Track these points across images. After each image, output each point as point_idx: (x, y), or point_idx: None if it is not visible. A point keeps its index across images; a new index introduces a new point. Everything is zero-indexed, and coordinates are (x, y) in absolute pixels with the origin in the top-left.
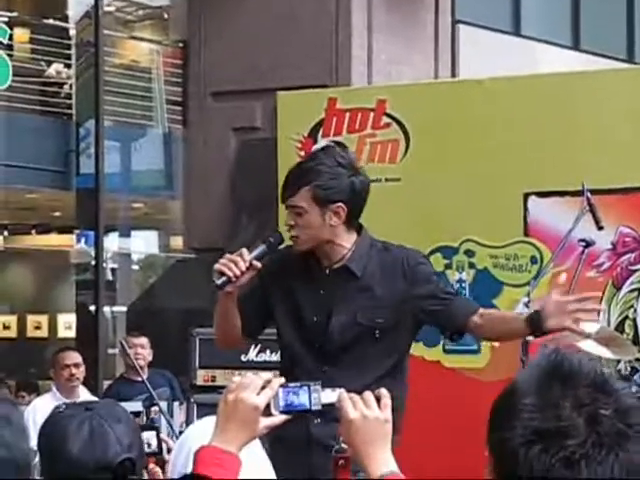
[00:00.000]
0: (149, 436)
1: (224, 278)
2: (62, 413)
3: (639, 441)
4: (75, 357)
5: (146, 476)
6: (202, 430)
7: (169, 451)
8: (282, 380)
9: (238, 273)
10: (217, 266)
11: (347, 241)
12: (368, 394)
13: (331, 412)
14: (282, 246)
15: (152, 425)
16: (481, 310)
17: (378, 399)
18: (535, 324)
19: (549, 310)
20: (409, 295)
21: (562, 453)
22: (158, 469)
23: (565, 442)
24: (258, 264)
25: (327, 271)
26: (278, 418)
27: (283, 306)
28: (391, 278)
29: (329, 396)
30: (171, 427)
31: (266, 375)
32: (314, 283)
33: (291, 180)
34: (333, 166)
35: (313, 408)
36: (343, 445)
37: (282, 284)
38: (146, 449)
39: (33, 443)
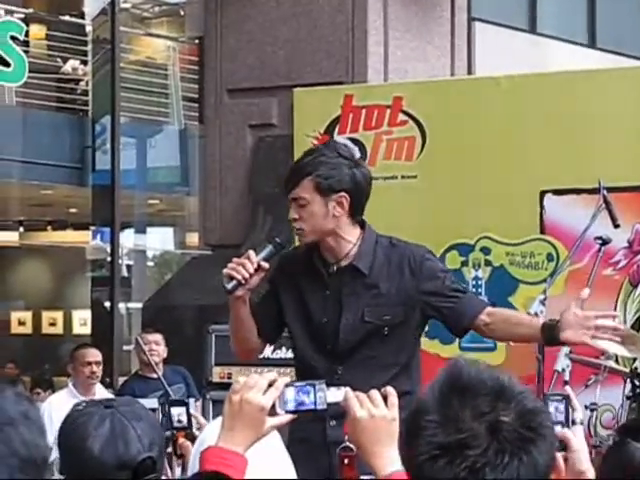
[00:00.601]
0: (180, 411)
1: (234, 282)
2: (82, 410)
3: (545, 441)
4: (97, 355)
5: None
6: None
7: (199, 427)
8: (287, 379)
9: (247, 275)
10: (226, 271)
11: (351, 235)
12: (375, 392)
13: (346, 414)
14: (288, 248)
15: (182, 400)
16: (489, 309)
17: (385, 398)
18: (550, 333)
19: (568, 321)
20: (416, 291)
21: (465, 464)
22: (188, 443)
23: (467, 453)
24: (266, 265)
25: (333, 269)
26: (284, 418)
27: (293, 308)
28: (398, 274)
29: (335, 395)
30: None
31: (271, 375)
32: (320, 283)
33: (292, 173)
34: (334, 157)
35: (318, 407)
36: (348, 444)
37: (290, 287)
38: (176, 424)
39: (50, 439)
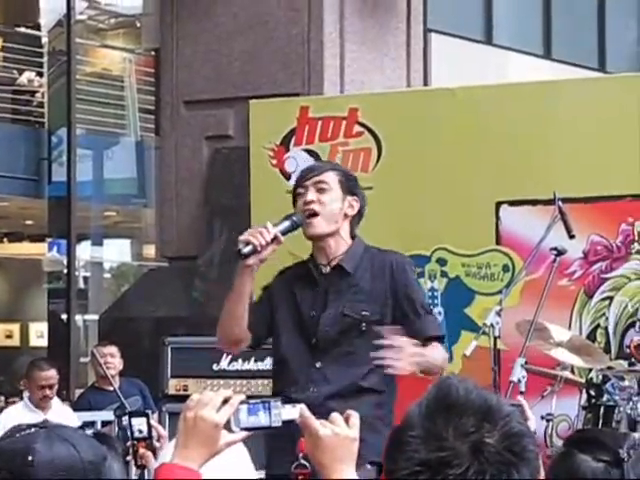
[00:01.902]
0: (140, 422)
1: (250, 247)
2: (16, 435)
3: (528, 465)
4: (51, 377)
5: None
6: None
7: (159, 437)
8: (242, 397)
9: (264, 242)
10: (243, 236)
11: (347, 239)
12: (336, 414)
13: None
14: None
15: (143, 411)
16: (435, 343)
17: (346, 419)
18: None
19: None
20: (393, 292)
21: None
22: (149, 453)
23: (448, 471)
24: (282, 238)
25: (326, 269)
26: (239, 435)
27: (285, 309)
28: (379, 275)
29: (290, 412)
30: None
31: (225, 392)
32: (312, 282)
33: (316, 166)
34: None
35: (273, 425)
36: (303, 461)
37: (286, 293)
38: (137, 434)
39: None
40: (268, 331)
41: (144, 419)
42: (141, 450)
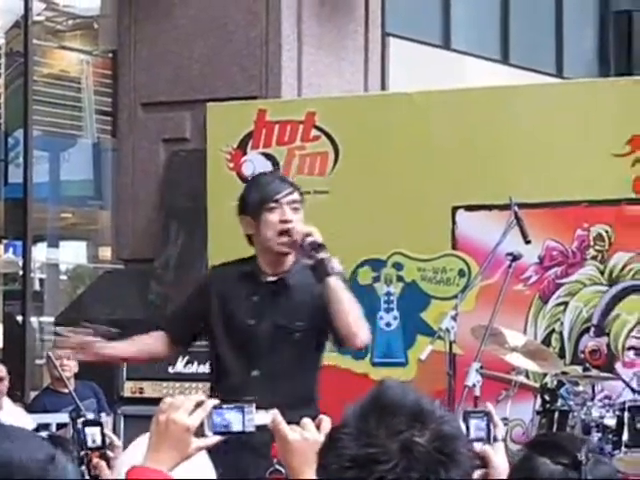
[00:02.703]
0: (93, 431)
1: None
2: None
3: (458, 467)
4: (0, 370)
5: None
6: (142, 445)
7: (112, 446)
8: (216, 401)
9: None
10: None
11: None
12: (308, 420)
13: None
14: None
15: (97, 420)
16: None
17: (317, 426)
18: None
19: None
20: (320, 302)
21: (371, 478)
22: (103, 462)
23: (376, 467)
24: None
25: (267, 279)
26: (211, 439)
27: (218, 314)
28: (311, 288)
29: (262, 418)
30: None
31: (198, 396)
32: (250, 291)
33: (286, 181)
34: None
35: (246, 430)
36: (278, 467)
37: (219, 294)
38: (90, 444)
39: None
40: (185, 331)
41: (98, 428)
42: (95, 460)
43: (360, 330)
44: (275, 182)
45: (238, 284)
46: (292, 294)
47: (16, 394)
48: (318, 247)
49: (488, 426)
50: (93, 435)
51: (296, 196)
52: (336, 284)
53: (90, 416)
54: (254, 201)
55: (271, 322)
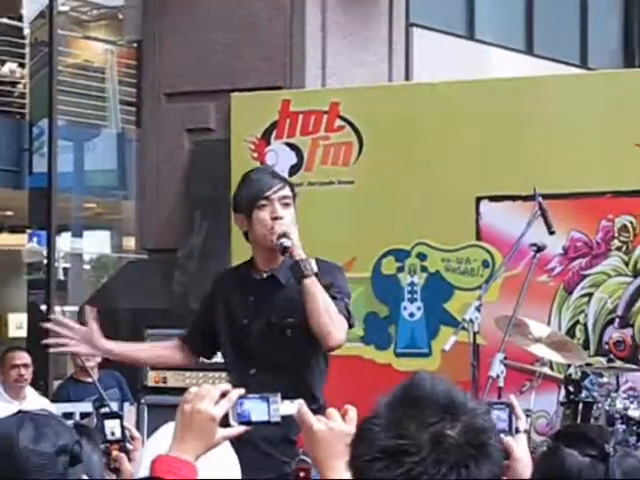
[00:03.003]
0: (113, 424)
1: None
2: None
3: (488, 460)
4: (24, 357)
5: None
6: (166, 435)
7: (132, 439)
8: (241, 391)
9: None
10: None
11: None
12: (333, 409)
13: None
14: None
15: (116, 413)
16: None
17: (344, 414)
18: None
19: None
20: None
21: (401, 469)
22: (123, 455)
23: (405, 459)
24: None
25: (261, 276)
26: (236, 429)
27: (223, 317)
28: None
29: (288, 408)
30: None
31: (224, 386)
32: (247, 289)
33: (277, 176)
34: None
35: (272, 420)
36: (304, 457)
37: (223, 300)
38: (110, 437)
39: None
40: (205, 341)
41: (117, 421)
42: (114, 452)
43: (334, 330)
44: (265, 178)
45: (236, 285)
46: (283, 291)
47: (40, 384)
48: (284, 250)
49: (510, 418)
50: (113, 428)
51: (287, 191)
52: (310, 285)
53: (113, 405)
54: (245, 199)
55: (264, 320)
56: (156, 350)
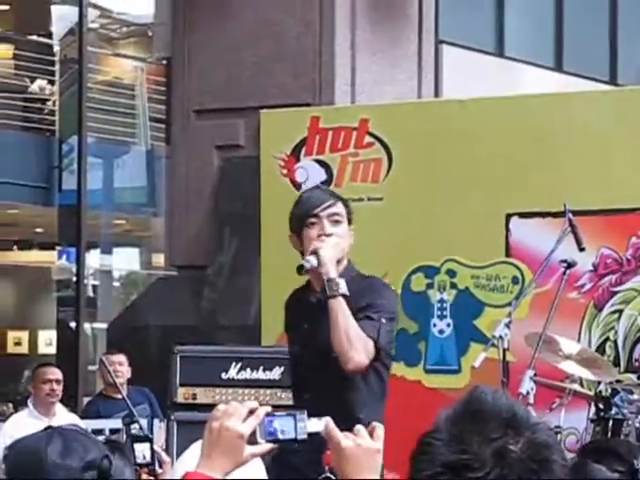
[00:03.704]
0: (143, 447)
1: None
2: (24, 438)
3: (551, 476)
4: (57, 373)
5: None
6: (197, 452)
7: (161, 464)
8: (268, 409)
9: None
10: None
11: (342, 265)
12: (360, 427)
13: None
14: None
15: (146, 436)
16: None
17: (371, 432)
18: None
19: None
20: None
21: None
22: (152, 479)
23: (468, 475)
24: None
25: (313, 299)
26: (264, 447)
27: (290, 338)
28: (359, 298)
29: (315, 425)
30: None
31: (251, 403)
32: (301, 314)
33: (327, 193)
34: None
35: (299, 437)
36: (329, 474)
37: (291, 321)
38: (140, 460)
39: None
40: None
41: (147, 444)
42: (144, 476)
43: (354, 354)
44: (315, 195)
45: (296, 310)
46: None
47: (69, 400)
48: (300, 269)
49: None
50: (143, 451)
51: (337, 208)
52: (335, 307)
53: (143, 422)
54: (296, 217)
55: (315, 346)
56: None
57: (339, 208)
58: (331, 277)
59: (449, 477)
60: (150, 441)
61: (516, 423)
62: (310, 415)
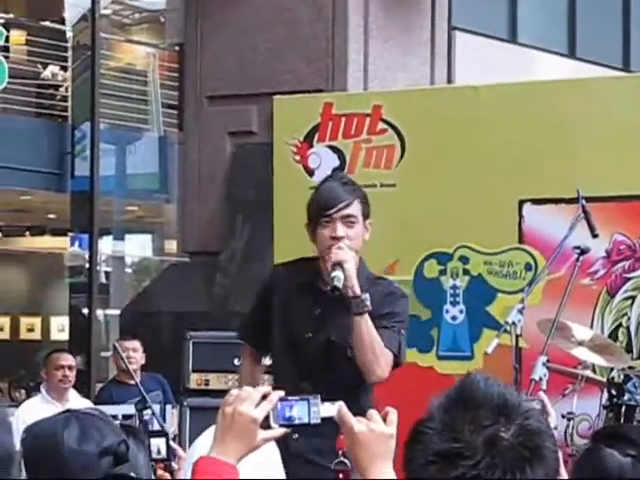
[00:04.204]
0: (159, 442)
1: (341, 277)
2: (41, 421)
3: (543, 463)
4: (70, 359)
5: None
6: (211, 438)
7: (177, 457)
8: (281, 393)
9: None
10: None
11: (356, 261)
12: (373, 411)
13: (311, 428)
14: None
15: (162, 431)
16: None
17: (384, 416)
18: None
19: None
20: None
21: (455, 473)
22: (167, 475)
23: (459, 462)
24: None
25: (324, 288)
26: (277, 431)
27: (279, 321)
28: (372, 304)
29: (328, 410)
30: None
31: (264, 388)
32: (312, 300)
33: (344, 192)
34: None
35: (312, 421)
36: (343, 459)
37: (282, 301)
38: (155, 455)
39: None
40: (266, 337)
41: (163, 439)
42: (159, 471)
43: (377, 369)
44: (332, 195)
45: (300, 292)
46: (344, 307)
47: (82, 386)
48: (334, 290)
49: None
50: (158, 446)
51: (351, 209)
52: (362, 324)
53: (156, 408)
54: (311, 213)
55: (326, 336)
56: (254, 374)
57: (354, 209)
58: (357, 294)
59: (441, 465)
60: (166, 436)
61: (507, 410)
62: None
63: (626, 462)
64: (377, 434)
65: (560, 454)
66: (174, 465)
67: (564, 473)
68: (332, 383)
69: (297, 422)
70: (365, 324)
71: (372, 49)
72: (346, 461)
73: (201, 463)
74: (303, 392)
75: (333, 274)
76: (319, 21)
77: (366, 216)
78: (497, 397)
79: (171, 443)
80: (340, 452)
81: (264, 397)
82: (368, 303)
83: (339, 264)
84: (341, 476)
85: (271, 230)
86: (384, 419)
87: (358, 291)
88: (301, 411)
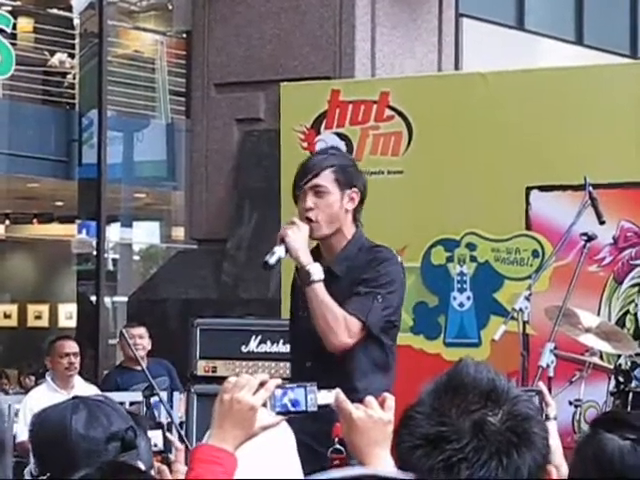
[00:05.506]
0: (155, 435)
1: (276, 256)
2: (50, 408)
3: (531, 448)
4: (74, 346)
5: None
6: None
7: (174, 449)
8: (279, 381)
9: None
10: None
11: (349, 233)
12: (371, 397)
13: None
14: None
15: (159, 423)
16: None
17: (382, 403)
18: None
19: None
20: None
21: (441, 457)
22: (164, 467)
23: (445, 446)
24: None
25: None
26: (274, 418)
27: (292, 305)
28: (360, 273)
29: (325, 397)
30: (171, 417)
31: (262, 376)
32: None
33: (312, 163)
34: (346, 156)
35: (309, 409)
36: (338, 445)
37: (296, 288)
38: (152, 448)
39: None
40: None
41: (159, 432)
42: (156, 464)
43: (332, 336)
44: (303, 167)
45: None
46: (337, 282)
47: (89, 373)
48: (265, 265)
49: (540, 405)
50: (154, 438)
51: (319, 179)
52: (310, 295)
53: (163, 394)
54: (293, 189)
55: None
56: None
57: (323, 178)
58: (303, 265)
59: (427, 449)
60: (162, 428)
61: (496, 395)
62: (310, 381)
63: (625, 446)
64: (375, 420)
65: (560, 442)
66: (171, 457)
67: (563, 463)
68: (330, 360)
69: (294, 410)
70: (314, 294)
71: (379, 36)
72: (341, 448)
73: (200, 450)
74: (307, 370)
75: (272, 250)
76: (326, 8)
77: (347, 185)
78: (486, 382)
79: (168, 435)
80: (336, 439)
81: (262, 385)
82: (317, 273)
83: (282, 240)
84: (337, 463)
85: (278, 217)
86: (381, 405)
87: (305, 262)
88: (298, 399)
